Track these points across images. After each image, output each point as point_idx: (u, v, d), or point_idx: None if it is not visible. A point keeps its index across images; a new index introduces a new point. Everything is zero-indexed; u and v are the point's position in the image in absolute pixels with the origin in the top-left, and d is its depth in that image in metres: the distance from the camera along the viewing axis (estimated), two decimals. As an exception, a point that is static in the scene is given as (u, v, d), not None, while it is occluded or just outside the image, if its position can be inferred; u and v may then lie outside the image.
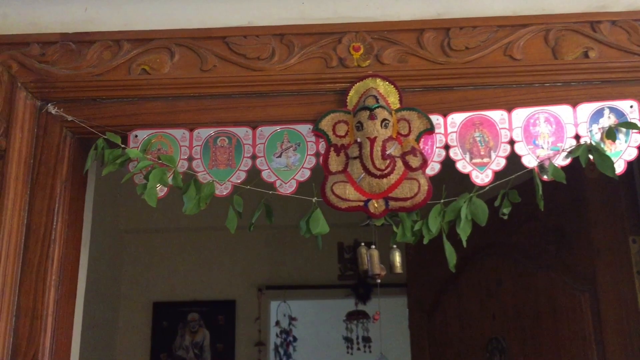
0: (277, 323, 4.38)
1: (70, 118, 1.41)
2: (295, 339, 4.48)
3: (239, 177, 1.37)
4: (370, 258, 1.38)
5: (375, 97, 1.36)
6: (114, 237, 3.88)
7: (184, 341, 4.02)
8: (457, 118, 1.39)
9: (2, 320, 1.30)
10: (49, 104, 1.42)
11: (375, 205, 1.33)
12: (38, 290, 1.33)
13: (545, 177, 1.33)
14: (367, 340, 4.37)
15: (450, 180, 1.35)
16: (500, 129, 1.38)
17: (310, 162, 1.38)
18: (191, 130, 1.41)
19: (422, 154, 1.35)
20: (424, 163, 1.34)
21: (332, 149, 1.37)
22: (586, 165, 1.33)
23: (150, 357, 3.98)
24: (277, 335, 4.44)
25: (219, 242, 4.09)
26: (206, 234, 4.06)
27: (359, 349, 4.38)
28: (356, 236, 3.98)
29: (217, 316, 4.06)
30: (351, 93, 1.40)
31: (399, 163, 1.33)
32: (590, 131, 1.36)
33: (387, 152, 1.33)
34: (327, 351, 5.26)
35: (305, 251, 4.01)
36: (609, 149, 1.35)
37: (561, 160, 1.35)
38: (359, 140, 1.34)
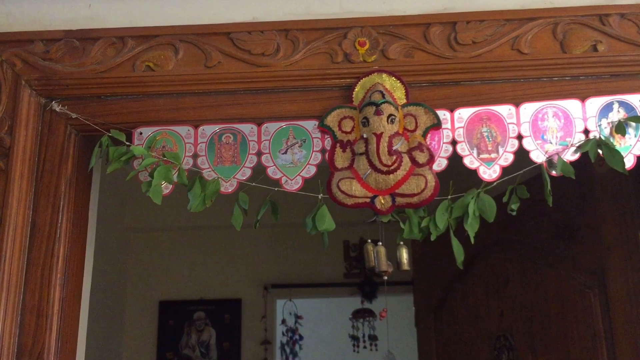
0: (283, 321, 4.38)
1: (74, 115, 1.41)
2: (301, 337, 4.47)
3: (244, 174, 1.36)
4: (377, 255, 1.37)
5: (381, 92, 1.35)
6: (120, 236, 3.88)
7: (190, 340, 4.02)
8: (464, 113, 1.37)
9: (7, 318, 1.29)
10: (53, 102, 1.42)
11: (382, 201, 1.32)
12: (43, 288, 1.33)
13: (553, 172, 1.32)
14: (373, 338, 4.36)
15: (458, 176, 1.33)
16: (508, 124, 1.36)
17: (316, 158, 1.37)
18: (196, 127, 1.40)
19: (429, 149, 1.33)
20: (431, 159, 1.33)
21: (338, 145, 1.36)
22: (595, 160, 1.31)
23: (157, 355, 3.98)
24: (283, 334, 4.43)
25: (224, 241, 4.09)
26: (212, 232, 4.06)
27: (365, 347, 4.38)
28: (362, 234, 3.97)
29: (223, 315, 4.06)
30: (357, 88, 1.39)
31: (406, 159, 1.32)
32: (600, 125, 1.35)
33: (394, 148, 1.31)
34: (333, 349, 5.25)
35: (311, 249, 4.00)
36: (619, 143, 1.33)
37: (570, 155, 1.33)
38: (365, 136, 1.33)
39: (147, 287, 4.04)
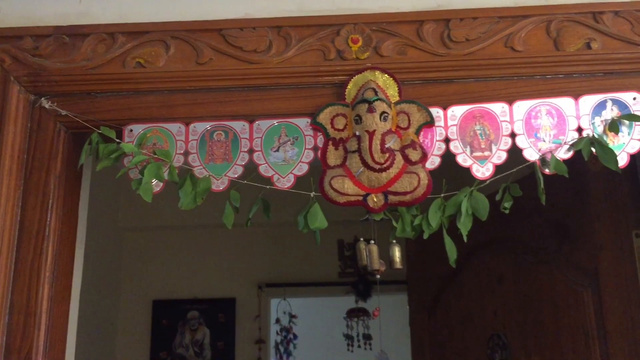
0: (278, 321, 4.36)
1: (64, 112, 1.39)
2: (295, 337, 4.46)
3: (236, 171, 1.35)
4: (370, 253, 1.36)
5: (374, 89, 1.34)
6: (113, 235, 3.86)
7: (184, 339, 4.01)
8: (458, 111, 1.36)
9: (-5, 317, 1.28)
10: (43, 98, 1.40)
11: (375, 199, 1.31)
12: (32, 287, 1.31)
13: (547, 170, 1.31)
14: (367, 337, 4.35)
15: (451, 174, 1.33)
16: (501, 121, 1.35)
17: (308, 156, 1.36)
18: (187, 124, 1.38)
19: (422, 147, 1.32)
20: (424, 157, 1.32)
21: (330, 142, 1.35)
22: (589, 159, 1.31)
23: (150, 355, 3.97)
24: (277, 333, 4.42)
25: (218, 240, 4.07)
26: (206, 231, 4.05)
27: (359, 346, 4.37)
28: (356, 233, 3.96)
29: (217, 314, 4.05)
30: (350, 86, 1.38)
31: (399, 157, 1.31)
32: (593, 123, 1.34)
33: (387, 146, 1.30)
34: (327, 349, 5.24)
35: (306, 248, 3.99)
36: (612, 141, 1.33)
37: (563, 154, 1.33)
38: (357, 133, 1.32)
39: (141, 286, 4.02)
